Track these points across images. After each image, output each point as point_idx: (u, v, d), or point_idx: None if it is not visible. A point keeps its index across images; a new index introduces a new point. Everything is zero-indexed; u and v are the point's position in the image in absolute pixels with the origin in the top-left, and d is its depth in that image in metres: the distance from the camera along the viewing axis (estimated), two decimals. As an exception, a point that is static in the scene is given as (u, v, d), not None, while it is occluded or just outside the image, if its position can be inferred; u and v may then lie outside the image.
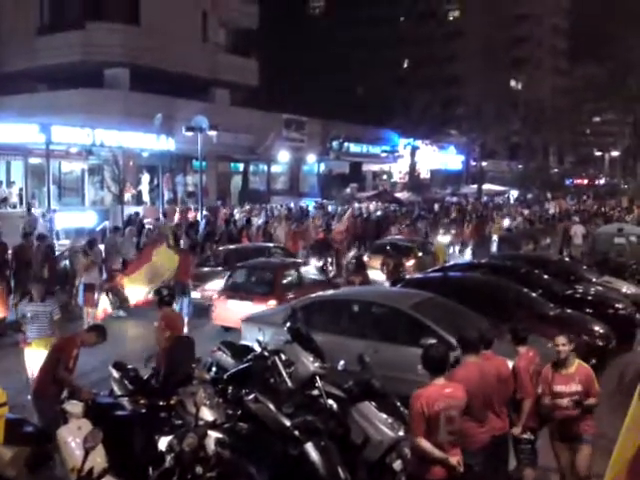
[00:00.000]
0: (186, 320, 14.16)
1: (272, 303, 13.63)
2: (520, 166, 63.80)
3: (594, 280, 15.66)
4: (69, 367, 7.72)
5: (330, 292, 12.85)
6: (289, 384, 8.13)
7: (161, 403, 7.18)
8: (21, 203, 31.06)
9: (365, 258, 19.89)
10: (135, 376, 8.51)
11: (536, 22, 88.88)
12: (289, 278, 15.35)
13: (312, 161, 46.45)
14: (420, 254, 20.87)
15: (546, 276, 14.54)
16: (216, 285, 16.30)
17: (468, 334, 6.98)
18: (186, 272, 15.26)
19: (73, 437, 5.93)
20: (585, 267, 17.47)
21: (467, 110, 60.54)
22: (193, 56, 37.90)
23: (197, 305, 15.67)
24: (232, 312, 13.57)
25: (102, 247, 18.05)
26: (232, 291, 14.82)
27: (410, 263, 19.85)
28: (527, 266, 15.02)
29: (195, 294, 16.13)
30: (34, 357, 9.30)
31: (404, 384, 8.30)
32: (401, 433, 6.99)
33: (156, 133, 31.48)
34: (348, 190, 47.74)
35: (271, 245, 21.12)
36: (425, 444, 5.69)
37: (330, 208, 36.76)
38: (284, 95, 57.93)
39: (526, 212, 39.36)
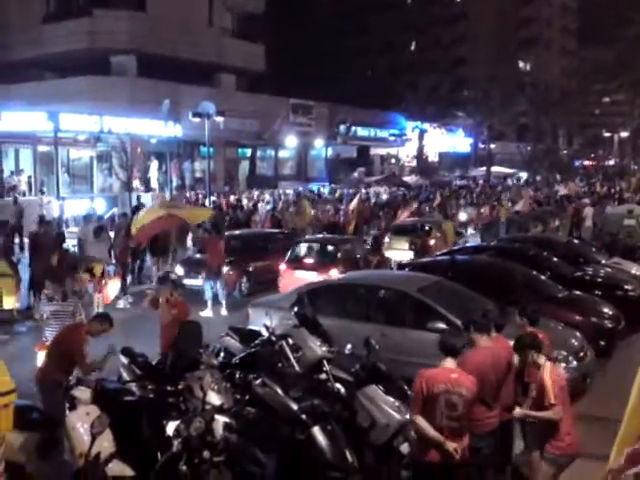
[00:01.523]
0: (224, 302, 15.30)
1: (334, 272, 14.98)
2: (529, 148, 63.40)
3: (603, 262, 15.61)
4: (81, 357, 7.73)
5: (337, 276, 12.85)
6: (296, 368, 8.14)
7: (169, 388, 7.21)
8: (30, 191, 31.20)
9: (386, 239, 20.42)
10: (143, 362, 8.53)
11: (545, 2, 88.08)
12: (346, 251, 16.63)
13: (319, 146, 46.37)
14: (438, 234, 21.11)
15: (555, 258, 14.47)
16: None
17: (480, 317, 6.99)
18: (219, 255, 15.59)
19: (81, 423, 5.97)
20: (594, 249, 17.39)
21: (474, 92, 60.17)
22: (199, 42, 37.83)
23: (198, 292, 15.50)
24: (298, 281, 14.22)
25: (112, 234, 18.09)
26: (297, 262, 16.35)
27: (431, 243, 20.37)
28: (536, 248, 14.96)
29: (197, 281, 16.04)
30: None
31: (411, 367, 8.30)
32: (408, 416, 6.99)
33: (163, 119, 31.47)
34: (356, 174, 47.62)
35: (276, 231, 21.16)
36: (420, 421, 5.73)
37: (337, 192, 36.72)
38: (291, 80, 57.69)
39: (531, 193, 39.21)
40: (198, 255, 17.98)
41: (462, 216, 29.28)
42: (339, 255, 16.39)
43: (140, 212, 15.01)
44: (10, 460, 5.28)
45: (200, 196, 31.14)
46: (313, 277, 14.65)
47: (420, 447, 5.87)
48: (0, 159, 29.53)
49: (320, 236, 19.46)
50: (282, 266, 16.42)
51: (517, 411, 6.36)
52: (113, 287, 15.08)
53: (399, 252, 19.15)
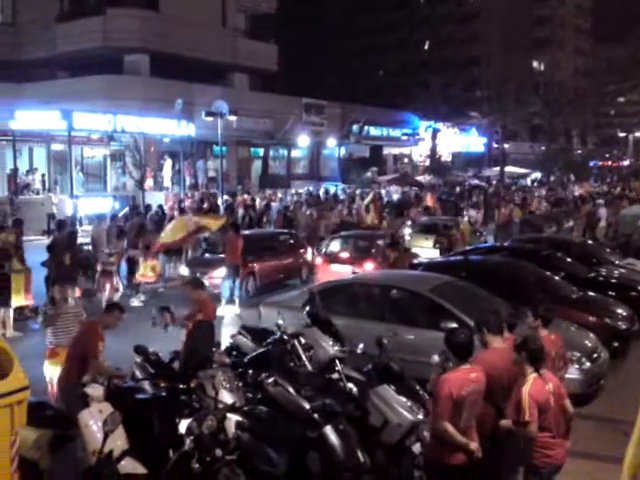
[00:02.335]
0: (237, 301, 15.46)
1: (369, 266, 15.88)
2: (542, 148, 63.08)
3: (617, 263, 15.50)
4: (96, 353, 7.74)
5: (349, 276, 12.84)
6: (308, 367, 8.15)
7: (181, 386, 7.23)
8: (44, 189, 31.42)
9: (407, 237, 20.71)
10: (157, 359, 8.56)
11: (558, 1, 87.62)
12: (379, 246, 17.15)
13: (332, 145, 46.31)
14: (457, 233, 21.31)
15: (569, 259, 14.41)
16: (223, 272, 16.13)
17: (492, 317, 6.95)
18: (237, 254, 15.71)
19: (94, 420, 5.98)
20: (608, 249, 17.29)
21: (488, 92, 59.94)
22: (212, 41, 37.92)
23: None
24: (334, 274, 15.18)
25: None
26: (332, 256, 17.45)
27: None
28: (549, 249, 14.89)
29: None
30: (53, 368, 8.80)
31: (423, 367, 8.30)
32: (420, 416, 6.98)
33: (176, 119, 31.57)
34: (368, 174, 47.55)
35: (281, 231, 21.07)
36: (450, 428, 5.65)
37: (348, 192, 36.70)
38: (303, 79, 57.75)
39: (543, 193, 39.03)
40: (207, 255, 17.88)
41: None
42: (373, 248, 17.11)
43: (168, 227, 16.07)
44: (24, 456, 5.30)
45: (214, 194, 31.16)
46: (348, 270, 15.60)
47: (442, 450, 5.77)
48: (14, 157, 29.69)
49: (354, 231, 20.34)
50: (318, 260, 17.88)
51: (503, 422, 6.18)
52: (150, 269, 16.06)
53: (420, 250, 19.39)
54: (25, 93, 31.81)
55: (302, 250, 19.40)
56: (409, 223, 23.65)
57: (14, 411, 4.78)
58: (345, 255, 17.42)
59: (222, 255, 17.09)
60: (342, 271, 15.57)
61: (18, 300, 13.89)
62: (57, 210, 27.09)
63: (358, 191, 35.51)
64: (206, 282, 15.84)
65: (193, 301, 9.29)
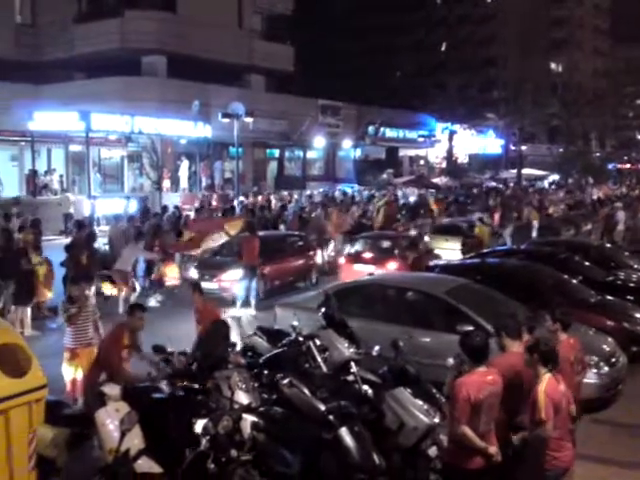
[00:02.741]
0: (253, 302, 15.51)
1: (392, 266, 16.24)
2: (560, 150, 62.71)
3: (636, 266, 15.36)
4: (123, 357, 7.76)
5: (365, 277, 12.82)
6: (323, 369, 8.14)
7: (197, 386, 7.25)
8: (62, 190, 31.66)
9: (426, 239, 20.74)
10: (164, 358, 8.58)
11: (576, 2, 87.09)
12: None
13: (348, 146, 46.28)
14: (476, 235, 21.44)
15: (586, 262, 14.30)
16: (233, 275, 16.17)
17: (511, 321, 6.91)
18: (254, 255, 15.79)
19: (111, 419, 6.02)
20: (627, 253, 17.14)
21: (505, 93, 59.69)
22: (229, 43, 38.03)
23: (213, 296, 14.89)
24: (357, 274, 15.45)
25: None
26: (356, 256, 17.74)
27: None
28: (567, 252, 14.78)
29: (211, 285, 15.86)
30: (74, 369, 8.98)
31: (439, 370, 8.27)
32: (436, 420, 6.96)
33: (193, 120, 31.68)
34: (384, 175, 47.46)
35: (290, 233, 20.86)
36: (469, 432, 5.62)
37: (365, 194, 36.65)
38: (319, 80, 57.77)
39: (561, 196, 38.78)
40: (217, 257, 17.68)
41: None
42: (395, 250, 17.38)
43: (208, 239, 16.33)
44: (41, 454, 5.34)
45: (230, 195, 31.22)
46: (371, 270, 15.84)
47: (461, 454, 5.74)
48: (33, 158, 29.92)
49: (377, 232, 20.74)
50: (342, 260, 18.31)
51: (515, 438, 6.13)
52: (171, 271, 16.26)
53: (440, 251, 19.56)
54: (43, 94, 32.03)
55: (311, 252, 19.35)
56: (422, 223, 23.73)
57: (32, 409, 4.82)
58: (368, 255, 17.62)
59: (231, 258, 17.07)
60: (365, 271, 15.79)
61: (41, 294, 14.04)
62: (74, 210, 27.28)
63: (377, 193, 35.43)
64: (215, 285, 16.03)
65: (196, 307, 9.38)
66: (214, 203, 27.62)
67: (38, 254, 14.44)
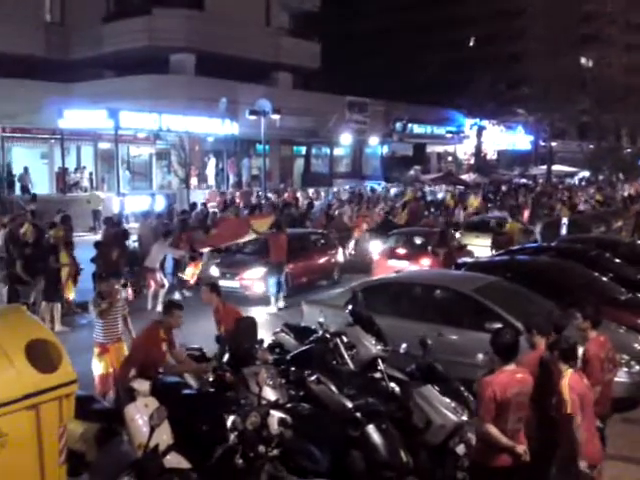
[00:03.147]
0: (282, 295, 15.57)
1: (425, 262, 16.40)
2: (591, 146, 61.96)
3: (668, 264, 15.12)
4: (163, 350, 7.72)
5: (392, 275, 12.78)
6: (351, 366, 8.14)
7: (227, 380, 7.29)
8: (92, 187, 31.99)
9: (457, 235, 20.49)
10: (201, 355, 8.63)
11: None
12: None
13: (375, 143, 46.17)
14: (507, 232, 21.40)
15: (617, 260, 14.11)
16: (255, 273, 16.11)
17: (543, 319, 6.85)
18: (282, 251, 15.85)
19: (140, 414, 6.05)
20: (658, 250, 16.87)
21: (534, 89, 59.08)
22: (256, 40, 38.11)
23: (235, 295, 15.02)
24: (391, 269, 15.25)
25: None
26: (390, 252, 17.91)
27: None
28: (597, 249, 14.59)
29: (233, 283, 15.85)
30: (104, 365, 8.97)
31: (468, 368, 8.22)
32: (464, 417, 6.93)
33: (221, 117, 31.80)
34: (412, 172, 47.28)
35: (312, 231, 20.62)
36: (493, 431, 5.60)
37: (394, 190, 36.56)
38: (346, 77, 57.64)
39: (591, 192, 38.32)
40: (238, 255, 17.55)
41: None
42: (429, 246, 17.44)
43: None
44: (71, 448, 5.39)
45: (259, 193, 31.28)
46: (405, 266, 16.22)
47: (488, 453, 5.72)
48: (63, 156, 30.25)
49: (410, 228, 20.80)
50: (376, 255, 18.35)
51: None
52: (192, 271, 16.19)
53: (470, 248, 19.47)
54: (73, 92, 32.37)
55: (333, 251, 19.20)
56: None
57: (62, 404, 4.86)
58: (402, 251, 17.85)
59: (252, 255, 17.09)
60: (399, 267, 15.94)
61: (68, 290, 14.23)
62: (103, 208, 27.55)
63: (408, 190, 35.31)
64: (237, 284, 15.96)
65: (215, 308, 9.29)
66: (237, 200, 27.64)
67: (68, 252, 14.58)
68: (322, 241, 19.29)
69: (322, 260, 18.63)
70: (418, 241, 18.25)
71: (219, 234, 16.58)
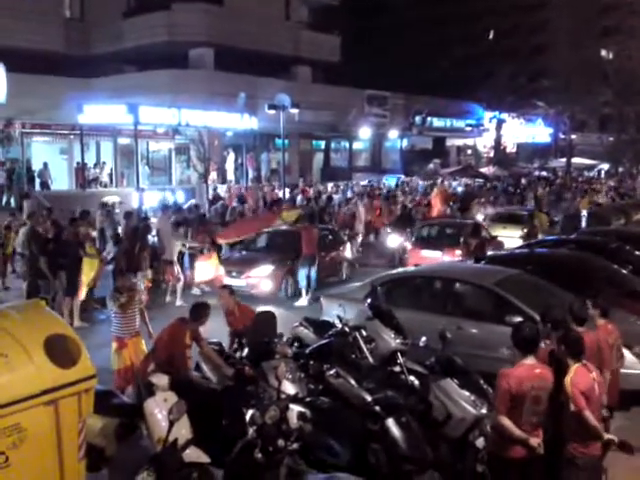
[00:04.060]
0: (310, 292, 15.50)
1: (458, 253, 16.69)
2: (611, 138, 61.35)
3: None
4: (187, 356, 7.73)
5: (411, 268, 12.74)
6: (370, 360, 8.13)
7: (246, 374, 7.30)
8: (111, 182, 32.15)
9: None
10: (219, 350, 8.64)
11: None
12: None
13: (394, 137, 45.99)
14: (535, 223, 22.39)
15: (637, 252, 13.99)
16: (262, 271, 15.82)
17: (556, 312, 6.83)
18: (312, 244, 15.90)
19: (159, 409, 6.07)
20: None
21: (554, 81, 58.58)
22: (276, 34, 38.06)
23: (241, 293, 13.72)
24: (424, 259, 16.69)
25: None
26: (423, 243, 18.56)
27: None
28: (617, 242, 14.48)
29: (239, 281, 15.47)
30: (122, 359, 8.96)
31: (488, 362, 8.18)
32: (484, 411, 6.89)
33: (240, 112, 31.81)
34: (431, 166, 47.10)
35: (324, 227, 19.87)
36: (506, 422, 5.63)
37: (421, 184, 36.44)
38: (366, 71, 57.45)
39: (611, 184, 38.03)
40: (244, 252, 17.38)
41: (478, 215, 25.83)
42: (461, 237, 17.84)
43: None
44: (90, 443, 5.41)
45: (276, 188, 31.30)
46: (437, 256, 17.10)
47: (502, 444, 5.76)
48: (82, 151, 30.43)
49: (444, 219, 21.56)
50: (408, 246, 19.05)
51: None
52: (205, 266, 15.93)
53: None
54: (93, 88, 32.48)
55: (341, 247, 18.69)
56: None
57: (82, 399, 4.88)
58: (435, 242, 18.49)
59: (260, 252, 16.92)
60: (432, 257, 17.02)
61: (88, 282, 14.10)
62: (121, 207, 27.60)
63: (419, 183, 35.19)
64: (243, 282, 15.55)
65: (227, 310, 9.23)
66: (250, 200, 27.28)
67: (91, 247, 14.62)
68: (330, 237, 18.66)
69: (330, 256, 17.93)
70: (450, 232, 18.75)
71: (242, 225, 16.75)
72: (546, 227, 21.84)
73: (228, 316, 9.21)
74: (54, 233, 15.05)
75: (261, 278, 15.80)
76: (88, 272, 13.91)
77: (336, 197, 28.66)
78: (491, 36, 71.71)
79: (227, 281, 14.89)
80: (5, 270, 17.34)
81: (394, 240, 20.59)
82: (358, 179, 39.37)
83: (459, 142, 55.03)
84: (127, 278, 9.59)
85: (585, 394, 5.75)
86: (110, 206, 23.03)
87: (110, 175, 32.70)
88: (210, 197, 27.42)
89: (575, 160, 56.49)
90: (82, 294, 13.84)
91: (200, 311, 7.99)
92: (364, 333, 8.40)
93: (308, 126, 37.22)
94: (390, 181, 38.44)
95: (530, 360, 5.76)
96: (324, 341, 8.51)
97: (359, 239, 22.00)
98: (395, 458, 6.23)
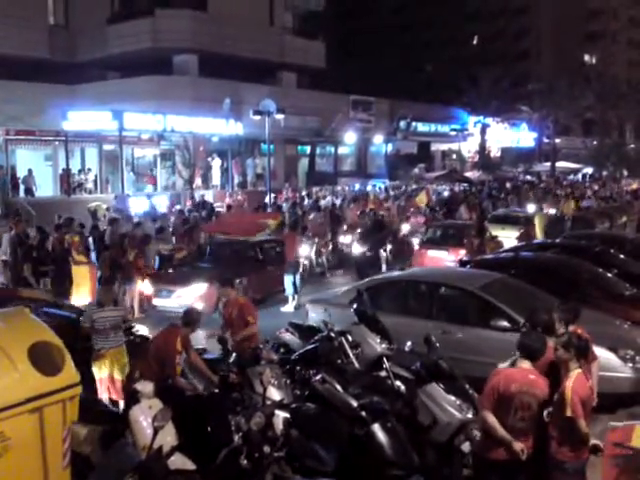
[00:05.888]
0: (297, 297, 15.38)
1: (462, 252, 17.11)
2: (595, 142, 61.81)
3: (672, 259, 15.05)
4: (171, 366, 7.61)
5: (397, 273, 12.76)
6: (356, 365, 8.13)
7: (231, 381, 7.28)
8: (96, 189, 32.01)
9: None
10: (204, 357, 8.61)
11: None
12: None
13: (379, 142, 46.08)
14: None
15: (622, 255, 14.09)
16: (195, 290, 13.86)
17: (543, 317, 6.87)
18: (294, 250, 16.05)
19: (144, 416, 6.06)
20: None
21: (539, 86, 58.98)
22: (260, 40, 38.03)
23: (171, 316, 12.45)
24: (431, 259, 18.21)
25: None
26: (430, 243, 19.31)
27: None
28: (602, 245, 14.57)
29: (169, 302, 13.85)
30: (107, 370, 8.75)
31: (473, 366, 8.22)
32: (469, 415, 6.91)
33: (225, 118, 31.79)
34: (416, 170, 47.21)
35: (275, 239, 17.54)
36: (490, 418, 5.68)
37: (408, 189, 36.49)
38: (351, 76, 57.57)
39: (595, 188, 38.30)
40: (178, 269, 16.17)
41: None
42: (464, 238, 18.26)
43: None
44: (75, 451, 5.39)
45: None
46: (444, 256, 18.03)
47: (486, 444, 5.82)
48: (67, 158, 30.27)
49: (449, 221, 22.66)
50: (415, 246, 20.01)
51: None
52: None
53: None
54: (78, 94, 32.36)
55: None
56: None
57: (66, 407, 4.86)
58: (440, 242, 19.20)
59: (196, 268, 15.45)
60: (438, 257, 18.10)
61: (81, 294, 13.90)
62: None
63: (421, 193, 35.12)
64: (174, 303, 13.45)
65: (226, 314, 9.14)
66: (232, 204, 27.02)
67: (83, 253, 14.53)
68: (277, 249, 16.77)
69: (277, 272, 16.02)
70: (454, 233, 19.59)
71: (227, 222, 16.92)
72: (545, 228, 22.06)
73: (226, 308, 9.17)
74: (38, 240, 14.95)
75: (194, 299, 13.56)
76: (81, 281, 13.82)
77: (323, 202, 28.68)
78: (476, 41, 72.14)
79: (155, 302, 13.82)
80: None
81: (356, 248, 20.20)
82: (343, 184, 39.43)
83: (444, 147, 55.21)
84: (111, 290, 9.41)
85: (582, 401, 5.75)
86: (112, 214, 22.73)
87: (95, 181, 32.54)
88: (196, 202, 27.35)
89: (559, 164, 56.87)
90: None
91: (191, 317, 7.95)
92: (350, 338, 8.40)
93: (293, 131, 37.22)
94: (378, 185, 38.50)
95: (527, 365, 5.82)
96: (310, 346, 8.50)
97: (329, 247, 21.56)
98: (381, 463, 6.22)
